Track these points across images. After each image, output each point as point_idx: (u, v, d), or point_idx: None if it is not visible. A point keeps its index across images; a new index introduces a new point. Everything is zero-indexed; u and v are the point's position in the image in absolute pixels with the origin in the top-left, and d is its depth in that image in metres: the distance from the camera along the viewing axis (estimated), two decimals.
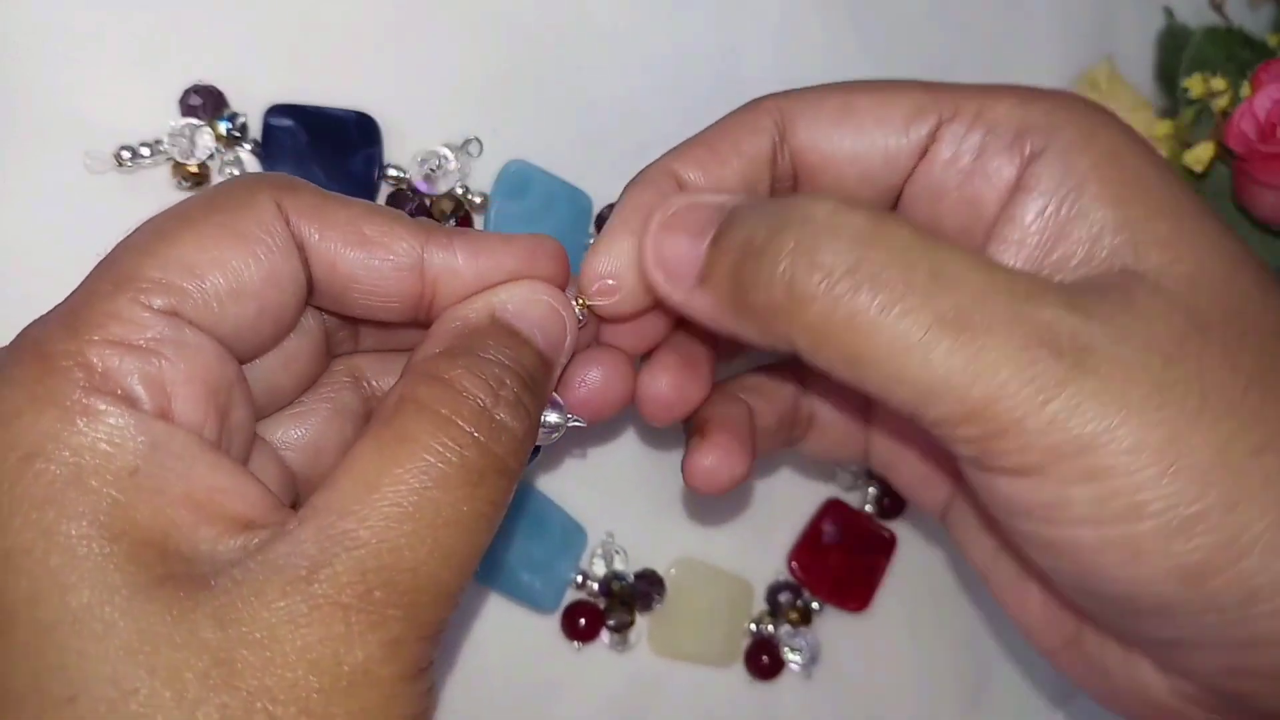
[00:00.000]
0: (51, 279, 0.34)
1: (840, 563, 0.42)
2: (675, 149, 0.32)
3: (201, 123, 0.36)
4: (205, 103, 0.36)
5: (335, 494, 0.23)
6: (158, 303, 0.24)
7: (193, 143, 0.36)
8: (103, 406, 0.23)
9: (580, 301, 0.30)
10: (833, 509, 0.43)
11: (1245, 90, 0.39)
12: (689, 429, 0.34)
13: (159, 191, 0.36)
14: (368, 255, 0.27)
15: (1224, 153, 0.40)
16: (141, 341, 0.24)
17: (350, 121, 0.37)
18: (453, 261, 0.27)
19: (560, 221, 0.39)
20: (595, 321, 0.31)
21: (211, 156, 0.36)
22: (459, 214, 0.38)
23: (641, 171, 0.31)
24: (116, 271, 0.24)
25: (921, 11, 0.45)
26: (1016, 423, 0.24)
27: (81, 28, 0.35)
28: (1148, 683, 0.29)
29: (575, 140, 0.40)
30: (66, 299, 0.25)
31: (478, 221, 0.39)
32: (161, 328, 0.24)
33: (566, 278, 0.29)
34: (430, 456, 0.24)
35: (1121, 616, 0.27)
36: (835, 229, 0.25)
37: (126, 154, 0.35)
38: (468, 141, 0.39)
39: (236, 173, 0.37)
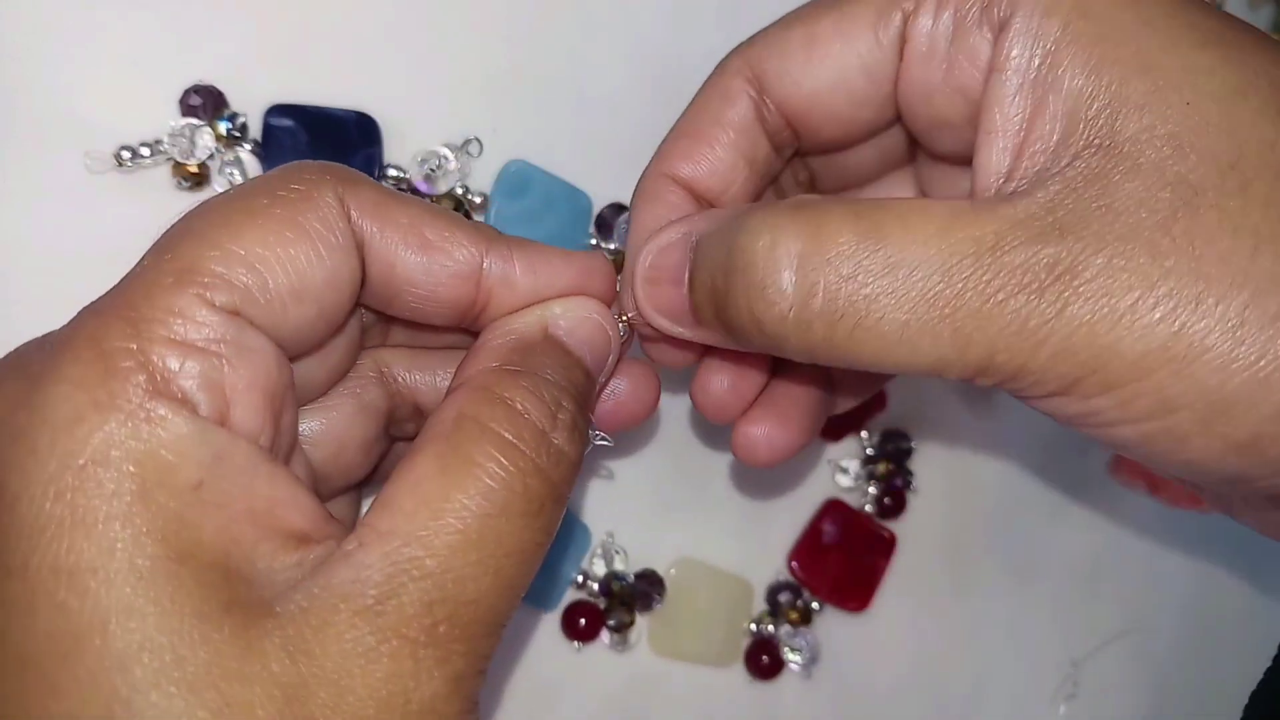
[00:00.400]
0: (52, 279, 0.34)
1: (840, 563, 0.42)
2: (661, 149, 0.31)
3: (202, 123, 0.36)
4: (205, 103, 0.36)
5: (399, 516, 0.22)
6: (220, 300, 0.22)
7: (193, 143, 0.36)
8: (164, 412, 0.21)
9: (625, 318, 0.29)
10: (833, 509, 0.43)
11: None
12: None
13: (159, 192, 0.36)
14: (428, 260, 0.26)
15: None
16: (202, 342, 0.22)
17: (350, 121, 0.37)
18: (510, 273, 0.27)
19: (560, 221, 0.39)
20: (631, 339, 0.31)
21: (211, 157, 0.36)
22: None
23: (638, 184, 0.31)
24: (177, 262, 0.23)
25: None
26: (1020, 368, 0.24)
27: (82, 27, 0.35)
28: None
29: (575, 140, 0.40)
30: (121, 286, 0.23)
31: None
32: (224, 328, 0.22)
33: (614, 295, 0.29)
34: (493, 482, 0.23)
35: (1210, 485, 0.26)
36: (776, 262, 0.25)
37: (126, 154, 0.35)
38: (467, 141, 0.39)
39: (236, 174, 0.37)
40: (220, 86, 0.36)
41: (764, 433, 0.32)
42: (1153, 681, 0.48)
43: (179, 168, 0.36)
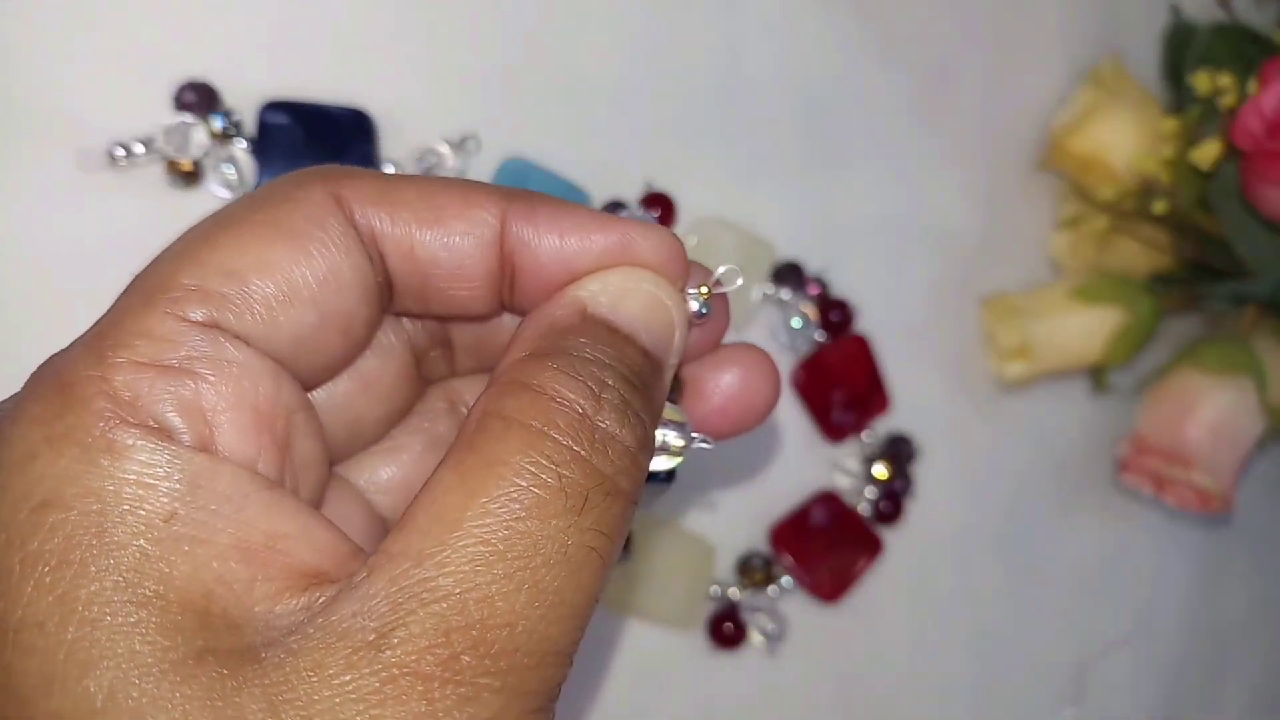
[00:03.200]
0: (44, 278, 0.34)
1: (822, 547, 0.42)
2: None
3: (196, 120, 0.36)
4: (199, 99, 0.36)
5: (411, 536, 0.19)
6: (194, 314, 0.20)
7: (186, 140, 0.35)
8: (130, 441, 0.19)
9: (704, 291, 0.24)
10: (827, 499, 0.42)
11: (1252, 87, 0.39)
12: None
13: (152, 189, 0.36)
14: (445, 232, 0.23)
15: (1231, 150, 0.40)
16: (175, 361, 0.20)
17: (346, 118, 0.37)
18: (530, 234, 0.23)
19: None
20: (723, 317, 0.26)
21: (206, 154, 0.36)
22: None
23: None
24: (147, 284, 0.21)
25: (926, 6, 0.45)
26: None
27: (74, 23, 0.35)
28: None
29: (573, 137, 0.40)
30: (96, 322, 0.21)
31: None
32: (197, 343, 0.20)
33: (678, 273, 0.24)
34: (522, 480, 0.19)
35: None
36: None
37: (120, 151, 0.35)
38: (465, 138, 0.38)
39: (231, 170, 0.36)
40: (214, 83, 0.36)
41: None
42: (1159, 685, 0.47)
43: (173, 165, 0.36)
